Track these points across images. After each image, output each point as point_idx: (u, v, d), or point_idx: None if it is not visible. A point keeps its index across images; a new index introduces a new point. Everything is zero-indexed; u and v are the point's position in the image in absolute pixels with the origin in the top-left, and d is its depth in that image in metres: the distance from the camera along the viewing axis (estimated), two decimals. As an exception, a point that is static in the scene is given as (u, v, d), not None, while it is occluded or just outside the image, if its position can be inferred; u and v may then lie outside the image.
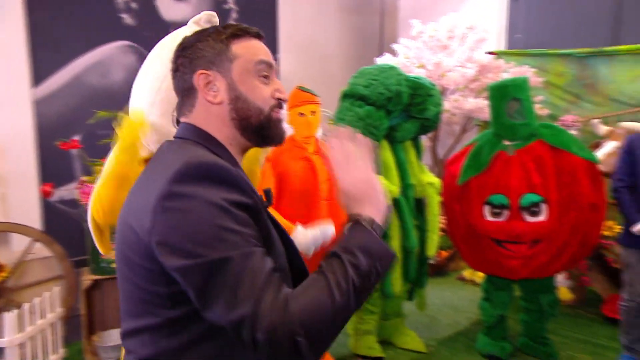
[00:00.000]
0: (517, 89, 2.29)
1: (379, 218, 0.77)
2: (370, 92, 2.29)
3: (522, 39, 4.26)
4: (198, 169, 0.70)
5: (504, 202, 2.31)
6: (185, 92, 0.86)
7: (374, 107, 2.30)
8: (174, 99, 1.37)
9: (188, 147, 0.79)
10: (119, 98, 3.66)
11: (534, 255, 2.32)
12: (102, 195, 1.30)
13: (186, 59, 0.85)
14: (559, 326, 2.90)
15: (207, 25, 1.47)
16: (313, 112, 2.15)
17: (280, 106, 0.87)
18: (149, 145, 1.41)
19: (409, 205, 2.46)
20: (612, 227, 3.01)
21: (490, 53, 4.07)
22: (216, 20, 1.51)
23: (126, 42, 3.82)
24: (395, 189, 2.36)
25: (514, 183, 2.30)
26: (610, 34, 3.74)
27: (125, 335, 0.79)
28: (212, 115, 0.83)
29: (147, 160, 1.37)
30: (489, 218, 2.38)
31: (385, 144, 2.43)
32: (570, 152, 2.27)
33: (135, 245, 0.71)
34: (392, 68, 2.37)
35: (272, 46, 4.43)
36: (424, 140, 3.33)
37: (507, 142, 2.37)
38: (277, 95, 0.86)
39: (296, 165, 2.15)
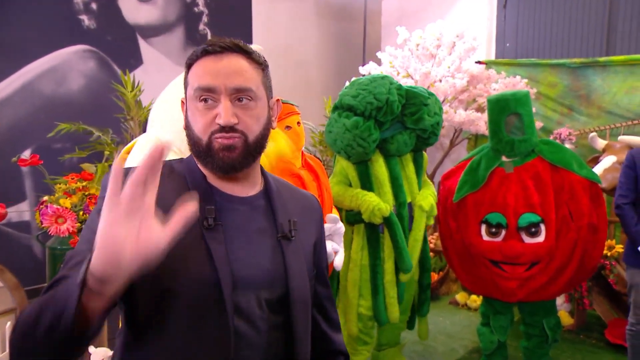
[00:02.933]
0: (518, 103, 2.34)
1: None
2: (358, 102, 2.31)
3: (511, 48, 4.41)
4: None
5: (502, 221, 2.35)
6: None
7: (362, 117, 2.32)
8: None
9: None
10: (77, 108, 3.57)
11: (531, 277, 2.36)
12: None
13: None
14: (560, 352, 2.94)
15: None
16: (298, 123, 2.16)
17: (223, 132, 0.86)
18: (180, 153, 1.48)
19: (404, 224, 2.46)
20: (614, 247, 3.10)
21: (479, 62, 4.19)
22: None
23: (85, 47, 3.74)
24: (386, 206, 2.36)
25: (512, 202, 2.34)
26: (604, 43, 3.91)
27: None
28: None
29: None
30: (486, 237, 2.41)
31: (378, 157, 2.44)
32: (569, 171, 2.32)
33: None
34: (384, 77, 2.39)
35: (246, 52, 4.43)
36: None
37: (505, 158, 2.42)
38: (217, 120, 0.86)
39: None
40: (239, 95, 0.87)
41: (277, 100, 0.98)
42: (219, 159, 0.86)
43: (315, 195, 2.22)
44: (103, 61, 3.73)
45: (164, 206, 0.84)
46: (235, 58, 0.88)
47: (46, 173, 2.29)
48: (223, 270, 0.83)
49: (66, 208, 1.89)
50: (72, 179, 2.11)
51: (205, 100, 0.86)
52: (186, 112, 0.91)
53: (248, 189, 0.94)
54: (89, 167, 2.19)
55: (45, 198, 1.96)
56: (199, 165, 0.92)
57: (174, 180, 0.90)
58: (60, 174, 2.51)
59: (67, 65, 3.63)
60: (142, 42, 3.96)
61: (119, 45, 3.81)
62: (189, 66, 0.90)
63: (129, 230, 0.63)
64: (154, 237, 0.64)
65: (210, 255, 0.83)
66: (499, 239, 2.37)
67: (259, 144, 0.90)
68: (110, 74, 3.70)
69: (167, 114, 1.52)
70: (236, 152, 0.87)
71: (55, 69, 3.59)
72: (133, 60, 3.85)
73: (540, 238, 2.31)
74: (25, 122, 3.46)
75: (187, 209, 0.66)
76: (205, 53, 0.87)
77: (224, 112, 0.85)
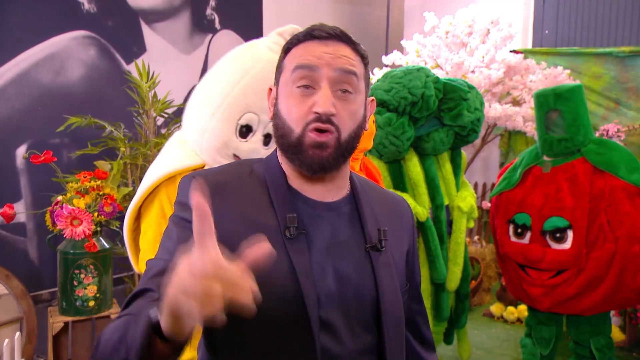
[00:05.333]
0: (558, 99, 2.37)
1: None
2: (392, 97, 2.34)
3: (550, 36, 4.43)
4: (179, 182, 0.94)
5: (527, 222, 2.43)
6: None
7: (395, 113, 2.34)
8: (242, 107, 1.48)
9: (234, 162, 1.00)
10: (77, 99, 3.61)
11: (557, 285, 2.39)
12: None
13: None
14: (610, 371, 2.94)
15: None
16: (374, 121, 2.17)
17: (319, 121, 0.84)
18: (201, 153, 1.49)
19: (441, 229, 2.50)
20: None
21: (515, 52, 4.20)
22: None
23: (85, 32, 3.78)
24: (423, 210, 2.39)
25: (540, 203, 2.39)
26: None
27: None
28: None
29: (196, 169, 1.45)
30: (513, 238, 2.51)
31: (412, 156, 2.46)
32: (613, 175, 2.32)
33: None
34: (420, 69, 2.42)
35: (257, 40, 4.45)
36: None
37: (546, 158, 2.47)
38: (314, 109, 0.84)
39: None
40: (341, 85, 0.86)
41: (372, 99, 0.98)
42: (308, 156, 0.85)
43: None
44: (104, 48, 3.76)
45: (242, 213, 0.86)
46: (342, 46, 0.88)
47: (59, 171, 2.32)
48: (307, 285, 0.82)
49: (81, 209, 1.93)
50: (85, 177, 2.14)
51: (305, 86, 0.86)
52: (276, 99, 0.91)
53: (334, 192, 0.93)
54: (103, 165, 2.22)
55: (60, 198, 2.00)
56: (282, 165, 0.92)
57: (253, 183, 0.91)
58: (63, 171, 2.54)
59: (65, 53, 3.66)
60: (145, 28, 3.99)
61: (121, 31, 3.84)
62: (286, 50, 0.91)
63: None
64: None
65: (292, 269, 0.83)
66: (524, 241, 2.46)
67: (351, 144, 0.89)
68: (112, 62, 3.74)
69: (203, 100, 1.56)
70: (328, 150, 0.85)
71: (53, 57, 3.62)
72: (136, 47, 3.88)
73: (566, 245, 2.35)
74: (21, 116, 3.50)
75: (259, 251, 0.63)
76: (310, 37, 0.88)
77: (324, 99, 0.84)
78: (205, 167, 1.52)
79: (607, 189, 2.32)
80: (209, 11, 4.42)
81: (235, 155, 1.52)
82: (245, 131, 1.51)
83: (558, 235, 2.35)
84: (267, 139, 1.57)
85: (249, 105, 1.48)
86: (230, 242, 0.80)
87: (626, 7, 4.05)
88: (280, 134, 0.88)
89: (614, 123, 3.70)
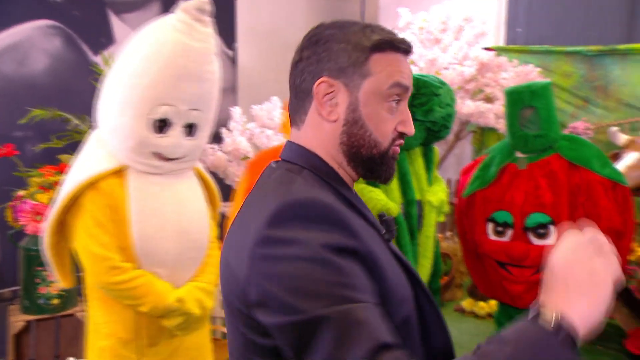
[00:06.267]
0: (533, 96, 2.42)
1: (582, 324, 0.70)
2: None
3: (523, 34, 4.51)
4: (296, 210, 0.74)
5: (508, 220, 2.46)
6: (300, 93, 0.87)
7: None
8: (152, 99, 1.35)
9: (291, 179, 0.82)
10: (41, 91, 3.54)
11: (540, 281, 2.43)
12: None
13: (314, 56, 0.85)
14: (576, 365, 3.02)
15: (200, 16, 1.40)
16: None
17: (401, 138, 0.89)
18: (117, 154, 1.38)
19: (412, 224, 2.53)
20: (636, 251, 3.20)
21: (487, 49, 4.27)
22: (209, 8, 1.44)
23: (49, 22, 3.70)
24: (395, 205, 2.42)
25: (520, 200, 2.44)
26: (624, 30, 4.03)
27: None
28: (322, 133, 0.86)
29: (117, 172, 1.37)
30: (492, 237, 2.53)
31: (385, 152, 2.49)
32: (589, 170, 2.40)
33: (234, 287, 0.76)
34: (392, 64, 2.45)
35: (230, 35, 4.42)
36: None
37: (519, 154, 2.52)
38: (400, 128, 0.88)
39: None
40: None
41: None
42: (390, 167, 0.89)
43: None
44: (70, 39, 3.69)
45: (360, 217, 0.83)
46: None
47: (21, 164, 2.27)
48: (420, 280, 0.88)
49: (45, 204, 1.90)
50: (49, 171, 2.11)
51: (396, 101, 0.87)
52: (353, 103, 0.84)
53: None
54: (68, 159, 2.19)
55: (22, 193, 1.96)
56: (346, 166, 0.89)
57: (336, 198, 0.82)
58: (26, 165, 2.49)
59: (28, 42, 3.58)
60: (114, 19, 3.93)
61: (88, 21, 3.77)
62: (371, 50, 0.84)
63: None
64: None
65: (407, 270, 0.87)
66: (505, 239, 2.49)
67: None
68: (78, 53, 3.67)
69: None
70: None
71: (16, 46, 3.54)
72: (104, 39, 3.82)
73: (550, 240, 2.39)
74: (-19, 107, 3.41)
75: None
76: (401, 50, 0.87)
77: (411, 121, 0.89)
78: (127, 170, 1.39)
79: (583, 184, 2.39)
80: (180, 3, 4.36)
81: (156, 154, 1.39)
82: (162, 125, 1.37)
83: (541, 231, 2.39)
84: (189, 129, 1.43)
85: (160, 97, 1.34)
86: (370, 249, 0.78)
87: (596, 8, 4.15)
88: (359, 145, 0.85)
89: (583, 121, 3.79)
